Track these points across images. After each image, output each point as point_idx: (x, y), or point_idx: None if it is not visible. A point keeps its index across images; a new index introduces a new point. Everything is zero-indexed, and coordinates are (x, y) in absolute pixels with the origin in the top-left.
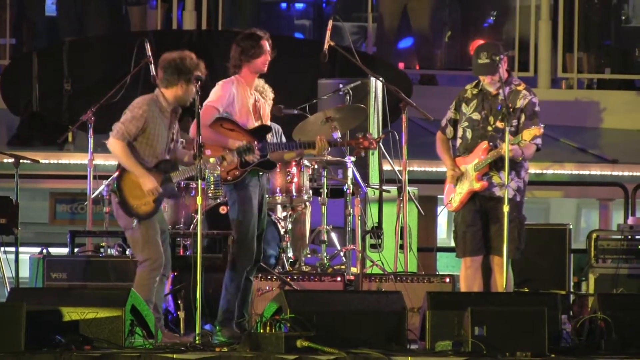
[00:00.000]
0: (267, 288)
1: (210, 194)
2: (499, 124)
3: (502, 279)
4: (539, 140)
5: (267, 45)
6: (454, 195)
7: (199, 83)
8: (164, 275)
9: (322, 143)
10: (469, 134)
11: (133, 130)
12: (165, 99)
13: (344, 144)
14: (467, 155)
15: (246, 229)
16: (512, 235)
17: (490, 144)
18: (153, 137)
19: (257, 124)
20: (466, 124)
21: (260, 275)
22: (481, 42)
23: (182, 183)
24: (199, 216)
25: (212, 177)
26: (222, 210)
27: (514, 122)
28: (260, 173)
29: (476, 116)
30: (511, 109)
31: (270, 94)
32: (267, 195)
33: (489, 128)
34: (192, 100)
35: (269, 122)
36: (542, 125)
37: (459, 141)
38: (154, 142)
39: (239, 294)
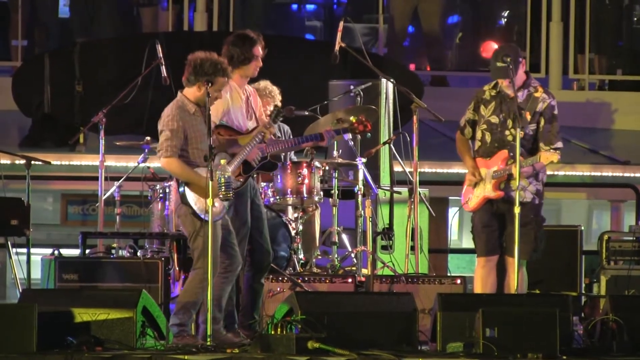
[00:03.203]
0: (278, 289)
1: (220, 196)
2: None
3: (515, 280)
4: (560, 144)
5: (259, 50)
6: (471, 197)
7: (209, 85)
8: (232, 273)
9: (329, 133)
10: (487, 137)
11: (178, 144)
12: (188, 100)
13: (346, 130)
14: (489, 159)
15: (236, 232)
16: (529, 237)
17: (511, 154)
18: (196, 140)
19: (251, 123)
20: (485, 126)
21: (271, 276)
22: (492, 43)
23: None
24: (209, 218)
25: (222, 179)
26: None
27: (533, 126)
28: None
29: (494, 119)
30: (527, 113)
31: (277, 95)
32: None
33: (507, 132)
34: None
35: (263, 117)
36: (559, 152)
37: (477, 143)
38: (198, 144)
39: (249, 297)
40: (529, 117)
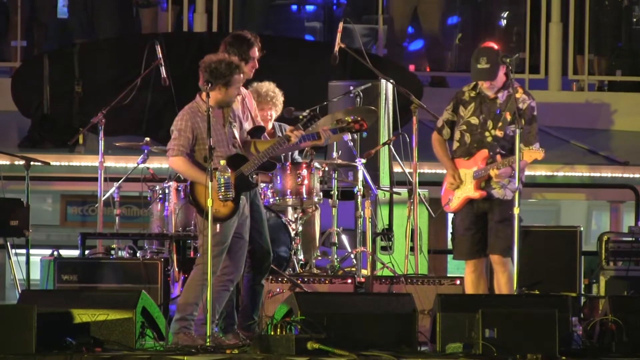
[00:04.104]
0: (278, 290)
1: (220, 197)
2: (498, 133)
3: (504, 278)
4: (538, 145)
5: (255, 51)
6: (452, 197)
7: (209, 85)
8: (231, 281)
9: (326, 133)
10: (467, 138)
11: (185, 143)
12: (203, 102)
13: (343, 129)
14: (468, 159)
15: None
16: (506, 233)
17: (491, 153)
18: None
19: (246, 124)
20: (464, 127)
21: (270, 277)
22: (492, 44)
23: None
24: (209, 219)
25: (222, 180)
26: None
27: (513, 127)
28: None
29: (474, 120)
30: (507, 114)
31: (280, 97)
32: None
33: (487, 133)
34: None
35: (259, 118)
36: (543, 150)
37: (456, 144)
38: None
39: (249, 298)
40: (509, 117)
